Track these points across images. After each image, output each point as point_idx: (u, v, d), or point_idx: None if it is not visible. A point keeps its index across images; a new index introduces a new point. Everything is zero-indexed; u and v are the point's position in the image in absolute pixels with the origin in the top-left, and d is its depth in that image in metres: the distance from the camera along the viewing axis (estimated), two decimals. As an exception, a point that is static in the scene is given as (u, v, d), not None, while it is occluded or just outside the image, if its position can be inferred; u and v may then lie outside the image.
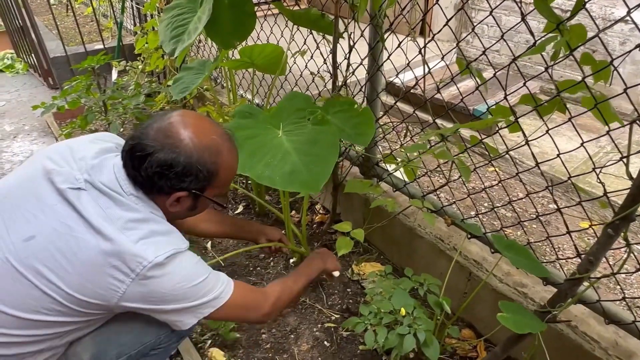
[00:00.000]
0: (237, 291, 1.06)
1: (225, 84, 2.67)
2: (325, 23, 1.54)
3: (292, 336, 1.60)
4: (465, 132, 2.53)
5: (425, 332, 1.23)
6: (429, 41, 1.36)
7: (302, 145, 1.18)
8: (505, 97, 1.24)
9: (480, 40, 1.26)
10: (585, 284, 1.13)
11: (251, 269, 1.91)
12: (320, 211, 2.21)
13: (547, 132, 1.18)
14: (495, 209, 1.56)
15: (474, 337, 1.58)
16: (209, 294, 1.00)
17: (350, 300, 1.73)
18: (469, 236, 1.54)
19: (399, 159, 1.65)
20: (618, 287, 1.87)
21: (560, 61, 1.01)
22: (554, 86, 1.08)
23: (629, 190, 0.93)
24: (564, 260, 1.92)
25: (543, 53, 1.02)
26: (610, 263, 1.27)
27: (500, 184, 1.43)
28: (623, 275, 1.90)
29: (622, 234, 0.98)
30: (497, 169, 2.66)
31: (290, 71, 2.01)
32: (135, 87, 2.90)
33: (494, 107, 1.26)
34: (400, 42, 1.42)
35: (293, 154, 1.15)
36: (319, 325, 1.63)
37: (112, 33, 4.29)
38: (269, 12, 2.08)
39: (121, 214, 0.90)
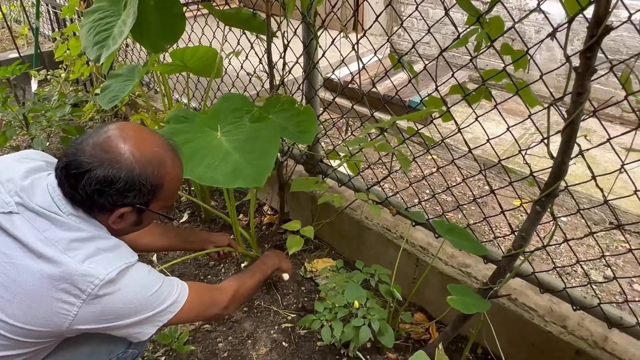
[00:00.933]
0: (193, 292, 1.05)
1: (158, 89, 2.57)
2: (257, 23, 1.53)
3: (250, 341, 1.58)
4: (403, 124, 2.61)
5: (379, 322, 1.26)
6: (361, 37, 1.39)
7: (242, 143, 1.17)
8: (436, 88, 1.29)
9: (409, 35, 1.31)
10: (521, 258, 1.21)
11: (202, 277, 1.86)
12: (269, 212, 2.19)
13: (476, 119, 1.24)
14: (435, 196, 1.63)
15: (426, 320, 1.65)
16: (166, 301, 0.98)
17: (305, 299, 1.74)
18: (414, 224, 1.60)
19: (342, 154, 1.68)
20: (549, 258, 2.03)
21: (483, 52, 1.07)
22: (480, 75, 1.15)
23: (551, 168, 1.01)
24: (501, 238, 2.05)
25: (468, 44, 1.08)
26: (541, 236, 1.37)
27: (439, 171, 1.49)
28: (553, 247, 2.06)
29: (549, 209, 1.07)
30: (435, 157, 2.78)
31: (226, 73, 1.97)
32: (59, 97, 2.71)
33: (427, 98, 1.32)
34: (334, 39, 1.44)
35: (234, 153, 1.14)
36: (276, 327, 1.63)
37: (28, 40, 3.98)
38: (199, 12, 2.02)
39: (62, 234, 0.85)
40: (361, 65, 1.42)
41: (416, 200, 1.64)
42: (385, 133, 1.49)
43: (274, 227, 2.07)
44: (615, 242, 2.13)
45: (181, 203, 2.29)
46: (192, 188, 2.18)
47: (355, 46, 1.36)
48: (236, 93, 1.54)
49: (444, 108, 1.27)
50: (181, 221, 2.18)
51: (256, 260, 1.47)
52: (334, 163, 1.83)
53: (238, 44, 1.81)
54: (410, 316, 1.47)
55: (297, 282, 1.81)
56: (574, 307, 1.29)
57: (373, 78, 1.49)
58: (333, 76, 1.67)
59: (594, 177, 1.03)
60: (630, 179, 1.03)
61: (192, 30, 2.10)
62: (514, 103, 3.44)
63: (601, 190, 1.04)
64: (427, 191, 2.39)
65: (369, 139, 1.42)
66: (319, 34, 1.50)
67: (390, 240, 1.65)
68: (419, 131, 1.36)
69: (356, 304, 1.28)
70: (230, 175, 1.08)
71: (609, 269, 1.94)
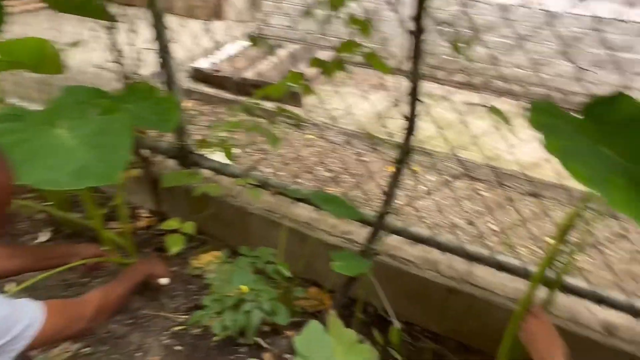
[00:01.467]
0: (52, 310, 0.95)
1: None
2: (93, 7, 1.37)
3: (139, 354, 1.46)
4: (271, 105, 2.59)
5: (270, 302, 1.25)
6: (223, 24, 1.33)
7: (90, 138, 1.06)
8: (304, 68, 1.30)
9: (275, 20, 1.29)
10: (394, 216, 1.30)
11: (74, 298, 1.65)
12: (144, 215, 2.03)
13: (336, 92, 1.28)
14: (313, 172, 1.67)
15: (321, 293, 1.69)
16: (17, 326, 0.87)
17: (196, 297, 1.66)
18: (294, 200, 1.62)
19: (214, 142, 1.62)
20: (422, 214, 2.23)
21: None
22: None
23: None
24: (379, 202, 2.18)
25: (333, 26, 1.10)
26: (412, 195, 1.48)
27: (314, 148, 1.52)
28: (421, 203, 2.25)
29: (409, 166, 1.15)
30: (312, 136, 2.85)
31: (73, 68, 1.75)
32: None
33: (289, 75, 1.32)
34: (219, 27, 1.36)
35: (79, 149, 1.02)
36: (167, 332, 1.52)
37: None
38: (36, 6, 1.76)
39: None
40: (231, 53, 1.37)
41: (298, 179, 1.66)
42: (254, 115, 1.47)
43: (152, 229, 1.93)
44: (475, 193, 2.42)
45: (39, 221, 2.01)
46: (50, 202, 1.92)
47: (218, 34, 1.30)
48: (82, 85, 1.38)
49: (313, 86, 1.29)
50: (41, 241, 1.91)
51: None
52: (215, 156, 1.76)
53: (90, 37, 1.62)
54: (303, 291, 1.49)
55: (184, 282, 1.71)
56: (443, 252, 1.44)
57: (241, 65, 1.45)
58: (200, 64, 1.59)
59: (440, 129, 1.13)
60: (475, 135, 1.16)
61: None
62: (376, 77, 3.67)
63: (452, 145, 1.15)
64: (308, 169, 2.45)
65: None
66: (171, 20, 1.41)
67: (274, 221, 1.65)
68: (290, 111, 1.37)
69: (244, 289, 1.26)
70: (75, 175, 0.97)
71: (472, 216, 2.20)
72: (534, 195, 2.56)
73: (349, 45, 1.14)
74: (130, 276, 1.27)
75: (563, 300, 1.33)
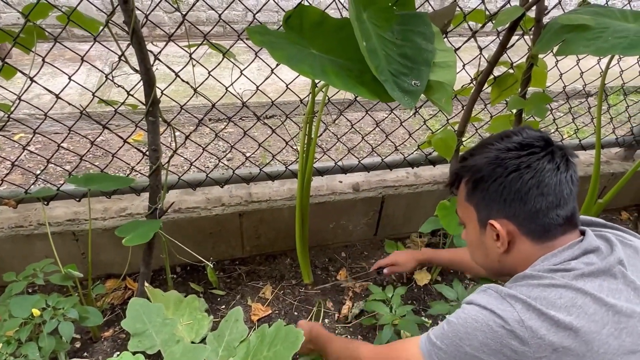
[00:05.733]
0: None
1: None
2: None
3: None
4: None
5: (74, 309, 1.13)
6: None
7: None
8: None
9: None
10: (166, 170, 1.30)
11: None
12: None
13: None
14: (48, 169, 1.46)
15: (119, 281, 1.58)
16: None
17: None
18: (46, 203, 1.41)
19: None
20: (185, 165, 2.26)
21: None
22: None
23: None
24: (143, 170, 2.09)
25: None
26: (171, 150, 1.49)
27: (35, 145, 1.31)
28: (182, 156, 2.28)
29: (160, 117, 1.16)
30: (22, 134, 2.39)
31: None
32: None
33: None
34: None
35: None
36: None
37: None
38: None
39: None
40: None
41: (32, 180, 1.42)
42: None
43: None
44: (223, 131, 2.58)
45: None
46: None
47: None
48: None
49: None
50: None
51: None
52: None
53: None
54: (102, 287, 1.38)
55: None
56: (221, 186, 1.55)
57: None
58: None
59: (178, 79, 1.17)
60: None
61: None
62: (74, 50, 3.24)
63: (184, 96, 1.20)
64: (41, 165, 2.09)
65: None
66: None
67: (31, 235, 1.40)
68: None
69: (36, 312, 1.08)
70: None
71: (228, 150, 2.36)
72: (271, 117, 2.91)
73: (43, 8, 1.00)
74: None
75: (321, 181, 1.67)
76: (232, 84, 1.27)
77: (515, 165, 0.74)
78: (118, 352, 1.35)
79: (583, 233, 0.77)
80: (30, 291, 1.48)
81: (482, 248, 0.83)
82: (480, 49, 1.42)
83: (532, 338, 0.64)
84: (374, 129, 1.84)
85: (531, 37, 1.30)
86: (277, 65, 1.05)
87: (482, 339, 0.68)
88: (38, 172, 2.04)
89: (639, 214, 2.13)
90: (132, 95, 1.22)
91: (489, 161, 0.77)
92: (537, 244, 0.76)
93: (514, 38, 1.27)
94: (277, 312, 1.52)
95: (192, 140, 1.46)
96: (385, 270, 1.46)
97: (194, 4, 1.20)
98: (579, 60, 1.59)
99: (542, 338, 0.64)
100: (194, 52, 1.17)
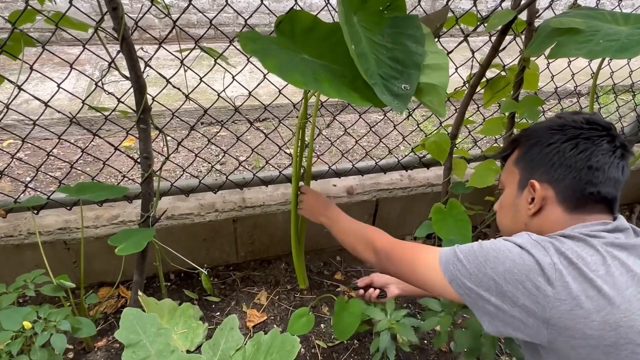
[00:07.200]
0: None
1: None
2: None
3: None
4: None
5: (66, 321, 1.11)
6: None
7: None
8: None
9: None
10: (159, 177, 1.29)
11: None
12: None
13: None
14: (39, 176, 1.44)
15: (112, 289, 1.56)
16: None
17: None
18: (36, 212, 1.39)
19: None
20: (177, 170, 2.24)
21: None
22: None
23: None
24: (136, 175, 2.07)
25: None
26: (163, 155, 1.47)
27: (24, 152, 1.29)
28: (174, 162, 2.26)
29: (152, 124, 1.15)
30: (10, 140, 2.36)
31: None
32: None
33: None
34: None
35: None
36: None
37: None
38: None
39: None
40: None
41: (22, 188, 1.40)
42: None
43: None
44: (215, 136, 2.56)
45: None
46: None
47: None
48: None
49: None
50: None
51: None
52: None
53: None
54: (94, 297, 1.36)
55: None
56: (214, 191, 1.53)
57: None
58: None
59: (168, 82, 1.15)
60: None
61: None
62: (63, 54, 3.22)
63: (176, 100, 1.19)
64: (31, 172, 2.06)
65: None
66: None
67: (21, 245, 1.38)
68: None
69: (27, 325, 1.06)
70: None
71: (221, 154, 2.35)
72: (263, 120, 2.90)
73: (29, 13, 0.98)
74: None
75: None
76: (224, 90, 1.26)
77: (574, 135, 0.77)
78: (112, 362, 1.33)
79: (615, 219, 0.79)
80: (21, 301, 1.46)
81: (513, 210, 0.86)
82: (473, 52, 1.42)
83: (558, 280, 0.66)
84: (368, 132, 1.84)
85: (523, 40, 1.31)
86: (270, 70, 1.04)
87: (508, 266, 0.69)
88: (28, 179, 2.01)
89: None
90: (122, 102, 1.21)
91: (551, 127, 0.80)
92: (569, 214, 0.77)
93: (506, 40, 1.27)
94: (272, 317, 1.51)
95: (184, 147, 1.44)
96: (360, 292, 1.31)
97: (184, 11, 1.19)
98: (570, 61, 1.60)
99: (568, 283, 0.66)
100: (185, 57, 1.16)
